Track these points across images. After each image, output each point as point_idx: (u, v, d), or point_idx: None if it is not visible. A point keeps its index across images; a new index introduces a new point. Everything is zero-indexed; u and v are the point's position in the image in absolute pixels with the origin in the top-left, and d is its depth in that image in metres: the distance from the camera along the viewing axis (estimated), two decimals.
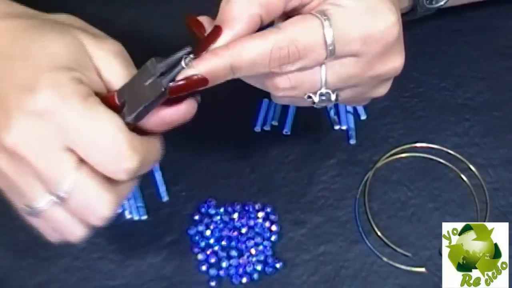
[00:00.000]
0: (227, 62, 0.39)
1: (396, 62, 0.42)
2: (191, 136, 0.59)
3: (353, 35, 0.39)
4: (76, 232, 0.42)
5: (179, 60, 0.39)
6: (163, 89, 0.38)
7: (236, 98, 0.60)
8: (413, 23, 0.57)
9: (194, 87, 0.39)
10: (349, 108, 0.60)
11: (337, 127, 0.59)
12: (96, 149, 0.38)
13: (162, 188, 0.56)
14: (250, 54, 0.38)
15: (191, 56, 0.39)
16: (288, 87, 0.41)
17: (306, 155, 0.58)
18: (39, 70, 0.39)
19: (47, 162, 0.39)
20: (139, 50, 0.61)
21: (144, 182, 0.57)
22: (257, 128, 0.59)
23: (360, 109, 0.60)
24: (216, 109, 0.59)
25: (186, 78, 0.38)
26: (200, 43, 0.39)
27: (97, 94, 0.40)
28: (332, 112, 0.60)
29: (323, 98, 0.42)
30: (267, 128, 0.59)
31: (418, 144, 0.59)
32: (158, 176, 0.57)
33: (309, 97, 0.41)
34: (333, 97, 0.42)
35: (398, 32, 0.41)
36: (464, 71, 0.62)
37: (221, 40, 0.39)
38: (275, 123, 0.59)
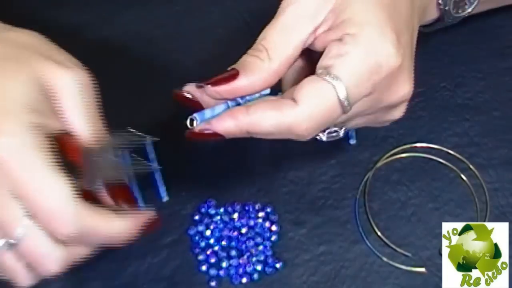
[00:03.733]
0: (244, 128, 0.41)
1: (404, 89, 0.43)
2: None
3: (364, 85, 0.41)
4: (23, 280, 0.41)
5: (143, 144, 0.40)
6: (125, 178, 0.40)
7: None
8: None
9: (210, 139, 0.41)
10: None
11: None
12: (39, 207, 0.38)
13: (162, 188, 0.56)
14: (267, 126, 0.40)
15: (197, 118, 0.41)
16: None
17: (306, 155, 0.58)
18: None
19: None
20: (139, 50, 0.61)
21: (144, 182, 0.57)
22: None
23: None
24: None
25: (203, 131, 0.41)
26: (216, 79, 0.41)
27: (62, 137, 0.39)
28: None
29: (333, 135, 0.44)
30: None
31: (418, 144, 0.59)
32: (158, 176, 0.57)
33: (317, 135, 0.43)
34: (341, 133, 0.44)
35: (401, 60, 0.41)
36: (464, 71, 0.62)
37: (236, 84, 0.41)
38: None
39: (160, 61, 0.60)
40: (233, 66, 0.42)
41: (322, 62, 0.41)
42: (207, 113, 0.42)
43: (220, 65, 0.43)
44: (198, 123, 0.41)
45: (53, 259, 0.40)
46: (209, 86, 0.41)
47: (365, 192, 0.57)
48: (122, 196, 0.42)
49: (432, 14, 0.53)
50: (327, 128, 0.43)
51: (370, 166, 0.58)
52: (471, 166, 0.58)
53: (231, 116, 0.40)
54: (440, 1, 0.52)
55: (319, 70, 0.41)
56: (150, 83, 0.59)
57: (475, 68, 0.62)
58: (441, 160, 0.58)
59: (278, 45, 0.42)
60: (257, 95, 0.43)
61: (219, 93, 0.42)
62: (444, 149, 0.58)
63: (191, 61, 0.61)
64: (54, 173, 0.38)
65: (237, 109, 0.41)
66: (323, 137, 0.43)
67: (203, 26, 0.63)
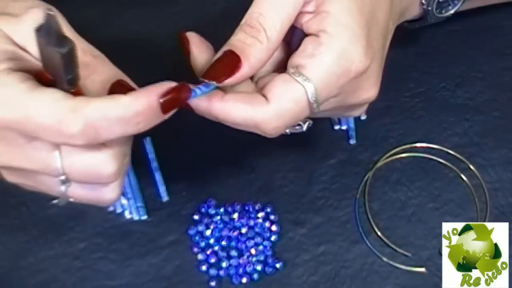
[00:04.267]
0: (213, 112, 0.41)
1: (369, 93, 0.45)
2: (191, 136, 0.59)
3: (332, 88, 0.42)
4: (103, 197, 0.42)
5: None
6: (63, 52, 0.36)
7: None
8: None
9: (186, 108, 0.41)
10: None
11: (337, 127, 0.59)
12: (42, 129, 0.37)
13: (162, 188, 0.56)
14: (235, 118, 0.41)
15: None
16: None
17: (306, 155, 0.58)
18: None
19: (29, 158, 0.39)
20: (139, 50, 0.61)
21: (144, 182, 0.57)
22: None
23: None
24: None
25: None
26: (219, 72, 0.41)
27: (38, 73, 0.39)
28: None
29: (296, 128, 0.45)
30: None
31: (418, 144, 0.59)
32: (158, 176, 0.57)
33: None
34: (304, 127, 0.45)
35: (368, 65, 0.42)
36: (464, 71, 0.62)
37: (240, 75, 0.41)
38: None
39: (160, 61, 0.60)
40: (231, 48, 0.41)
41: (296, 59, 0.42)
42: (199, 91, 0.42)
43: None
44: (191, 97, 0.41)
45: (104, 166, 0.39)
46: (214, 82, 0.41)
47: (365, 192, 0.57)
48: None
49: (415, 12, 0.53)
50: None
51: (370, 166, 0.58)
52: (471, 166, 0.58)
53: (208, 100, 0.41)
54: (423, 1, 0.52)
55: (291, 69, 0.41)
56: (150, 84, 0.59)
57: (475, 68, 0.62)
58: (441, 160, 0.58)
59: (276, 22, 0.41)
60: None
61: (224, 85, 0.42)
62: (444, 149, 0.58)
63: None
64: (38, 95, 0.37)
65: (215, 92, 0.41)
66: (287, 130, 0.44)
67: (203, 26, 0.63)
